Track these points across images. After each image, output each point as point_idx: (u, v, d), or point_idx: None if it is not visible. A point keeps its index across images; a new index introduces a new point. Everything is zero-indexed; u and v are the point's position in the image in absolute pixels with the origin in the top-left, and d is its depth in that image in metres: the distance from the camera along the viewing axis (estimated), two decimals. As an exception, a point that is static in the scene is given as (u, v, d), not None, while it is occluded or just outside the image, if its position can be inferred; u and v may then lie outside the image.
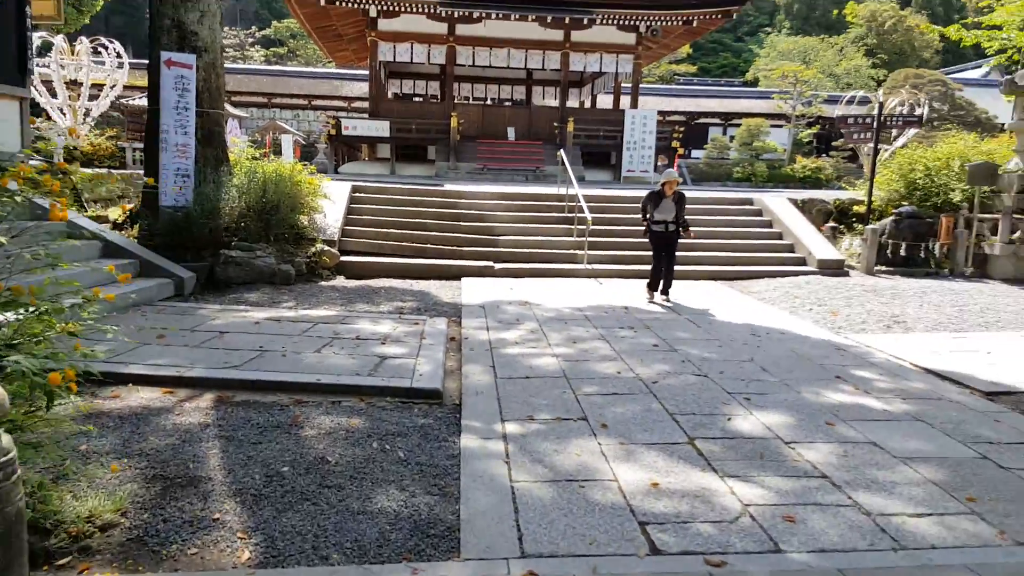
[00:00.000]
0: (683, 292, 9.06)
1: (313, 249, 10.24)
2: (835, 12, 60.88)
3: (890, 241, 10.92)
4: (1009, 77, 11.17)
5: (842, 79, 36.84)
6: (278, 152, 29.93)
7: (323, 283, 9.65)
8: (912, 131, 14.93)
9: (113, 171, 14.61)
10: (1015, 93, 11.09)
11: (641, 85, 26.81)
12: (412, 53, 23.00)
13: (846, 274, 10.74)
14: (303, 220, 10.74)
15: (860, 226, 11.91)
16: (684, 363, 5.69)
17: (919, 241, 10.96)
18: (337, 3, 21.19)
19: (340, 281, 9.86)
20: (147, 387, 4.90)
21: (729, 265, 10.84)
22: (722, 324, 7.33)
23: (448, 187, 14.33)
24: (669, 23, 22.89)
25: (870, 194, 11.63)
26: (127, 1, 55.91)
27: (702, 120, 37.83)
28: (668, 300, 8.58)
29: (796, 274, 10.58)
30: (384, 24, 22.59)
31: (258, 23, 61.67)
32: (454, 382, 5.21)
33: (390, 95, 29.10)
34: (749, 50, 58.74)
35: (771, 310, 8.27)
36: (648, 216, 8.70)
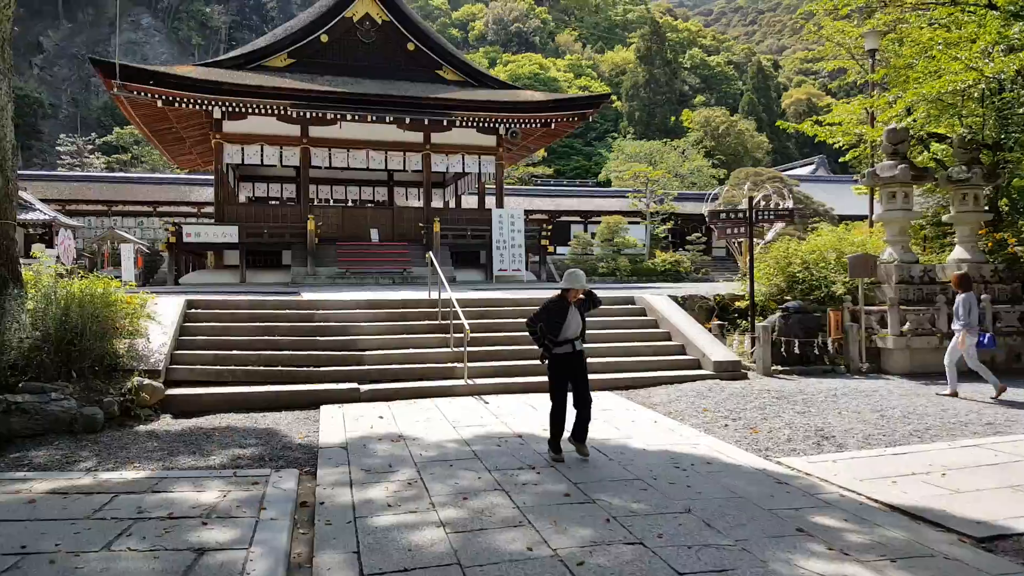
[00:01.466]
0: (579, 408, 7.98)
1: (129, 384, 8.25)
2: (672, 119, 66.49)
3: (782, 339, 10.55)
4: (871, 170, 11.51)
5: (687, 178, 39.25)
6: (117, 263, 27.00)
7: (141, 428, 7.67)
8: (780, 225, 15.36)
9: None
10: (876, 185, 11.40)
11: (504, 185, 26.81)
12: (263, 155, 21.57)
13: (745, 376, 10.13)
14: (119, 347, 8.76)
15: (744, 322, 11.55)
16: (609, 523, 4.45)
17: (810, 337, 10.63)
18: (176, 104, 19.52)
19: (164, 423, 7.92)
20: None
21: (621, 372, 9.94)
22: (636, 454, 6.22)
23: (305, 296, 12.74)
24: (529, 126, 23.16)
25: (752, 290, 11.37)
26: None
27: (564, 218, 38.74)
28: (585, 454, 6.07)
29: (694, 379, 9.83)
30: (230, 126, 21.12)
31: (100, 130, 58.32)
32: (302, 590, 3.66)
33: (243, 199, 27.34)
34: (599, 153, 62.15)
35: (684, 430, 7.28)
36: (545, 336, 6.07)
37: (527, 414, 7.89)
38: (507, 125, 22.78)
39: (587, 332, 6.56)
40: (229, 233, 20.65)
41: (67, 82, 71.76)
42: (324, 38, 22.23)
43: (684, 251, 31.25)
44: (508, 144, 24.36)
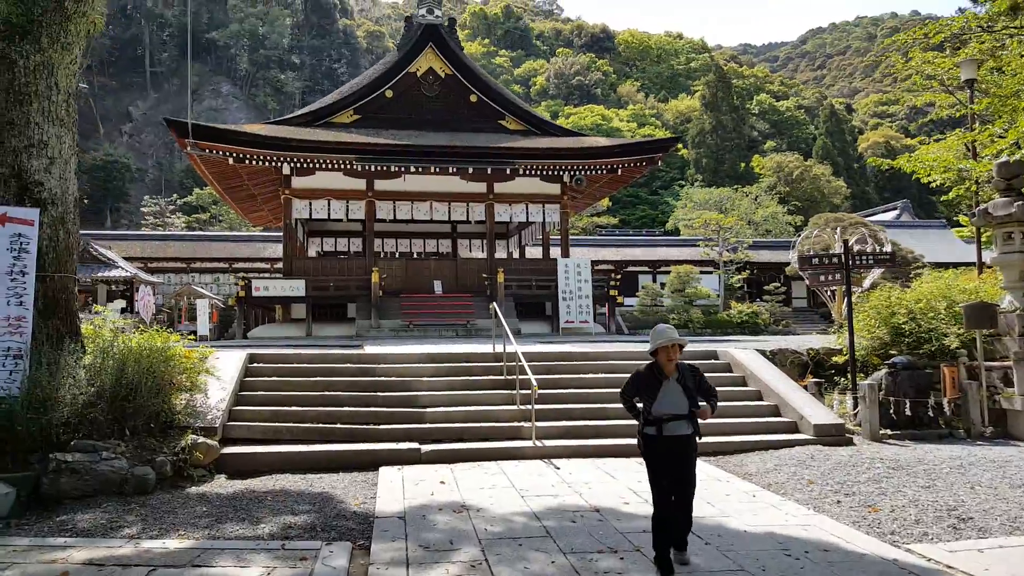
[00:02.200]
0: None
1: (183, 442, 7.89)
2: (742, 165, 65.18)
3: (891, 399, 9.34)
4: (981, 208, 10.32)
5: (761, 226, 37.89)
6: (193, 317, 27.75)
7: (192, 489, 7.28)
8: (877, 272, 14.14)
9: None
10: (988, 225, 10.24)
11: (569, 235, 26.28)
12: (329, 209, 21.74)
13: (850, 442, 8.97)
14: (176, 403, 8.47)
15: (843, 379, 10.35)
16: (716, 630, 3.65)
17: (922, 397, 9.39)
18: (247, 161, 19.91)
19: (217, 484, 7.50)
20: None
21: (708, 435, 8.77)
22: (736, 536, 5.32)
23: (367, 349, 12.38)
24: (594, 172, 22.63)
25: (851, 343, 10.20)
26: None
27: (630, 268, 37.88)
28: (685, 557, 4.77)
29: (791, 444, 8.75)
30: (299, 182, 21.42)
31: (181, 191, 61.47)
32: None
33: (312, 253, 27.73)
34: (665, 202, 61.25)
35: (789, 506, 6.27)
36: (639, 412, 4.94)
37: (604, 483, 7.09)
38: (572, 172, 22.35)
39: None
40: (296, 287, 20.74)
41: (153, 148, 76.31)
42: (389, 93, 22.52)
43: (761, 302, 29.86)
44: (573, 192, 23.89)
